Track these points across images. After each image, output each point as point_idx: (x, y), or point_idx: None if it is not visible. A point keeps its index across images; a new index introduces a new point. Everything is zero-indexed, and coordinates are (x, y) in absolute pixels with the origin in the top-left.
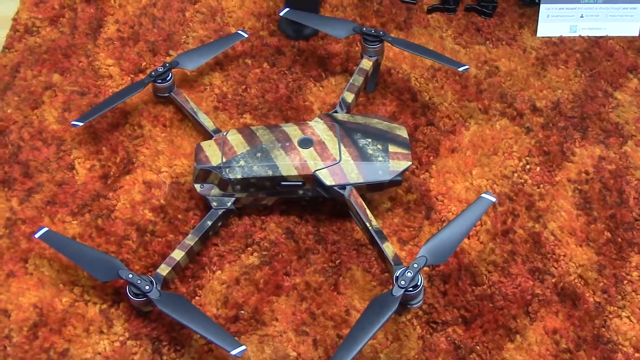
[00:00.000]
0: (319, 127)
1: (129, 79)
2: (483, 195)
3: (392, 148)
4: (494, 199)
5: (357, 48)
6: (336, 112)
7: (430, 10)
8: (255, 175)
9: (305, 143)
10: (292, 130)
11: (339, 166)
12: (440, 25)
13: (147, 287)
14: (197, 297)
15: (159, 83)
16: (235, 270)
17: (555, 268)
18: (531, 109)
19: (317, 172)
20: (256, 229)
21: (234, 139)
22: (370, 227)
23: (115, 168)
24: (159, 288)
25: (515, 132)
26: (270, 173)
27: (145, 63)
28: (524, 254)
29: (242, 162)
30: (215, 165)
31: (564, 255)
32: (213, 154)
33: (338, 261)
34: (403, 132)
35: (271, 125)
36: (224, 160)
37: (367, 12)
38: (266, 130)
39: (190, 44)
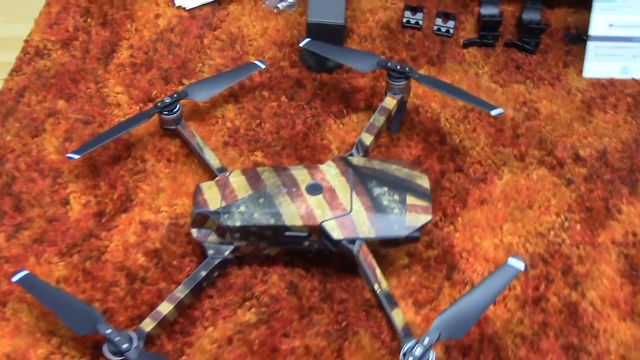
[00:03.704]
0: (330, 172)
1: (138, 108)
2: (510, 260)
3: (410, 199)
4: (522, 267)
5: (384, 83)
6: (352, 155)
7: (466, 45)
8: (255, 224)
9: (314, 189)
10: (301, 175)
11: (349, 217)
12: (477, 61)
13: (125, 346)
14: (183, 357)
15: (166, 115)
16: (229, 327)
17: (594, 345)
18: (573, 158)
19: (324, 223)
20: (257, 281)
21: (237, 181)
22: (379, 291)
23: (112, 205)
24: (142, 345)
25: (554, 183)
26: (272, 222)
27: (156, 92)
28: (557, 327)
29: (242, 208)
30: (213, 210)
31: (604, 330)
32: (212, 197)
33: (344, 323)
34: (424, 182)
35: (278, 167)
36: (223, 204)
37: (398, 44)
38: (272, 172)
39: (206, 73)
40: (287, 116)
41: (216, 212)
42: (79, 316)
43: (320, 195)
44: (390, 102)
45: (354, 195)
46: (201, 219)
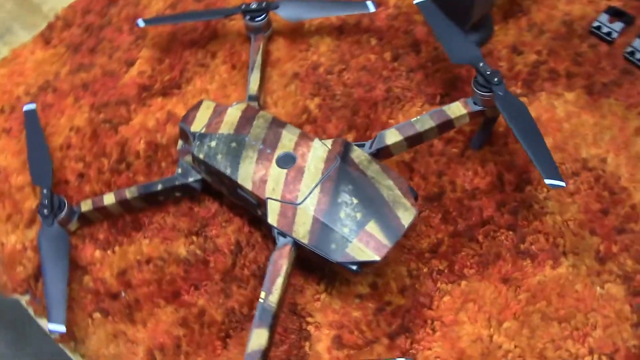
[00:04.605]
0: (317, 152)
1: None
2: None
3: (371, 227)
4: None
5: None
6: (363, 145)
7: None
8: (214, 165)
9: (285, 161)
10: (288, 139)
11: (294, 209)
12: None
13: (45, 211)
14: (104, 252)
15: (248, 20)
16: (159, 250)
17: None
18: None
19: (269, 200)
20: (215, 222)
21: (231, 114)
22: (261, 300)
23: (159, 84)
24: (75, 220)
25: (619, 312)
26: (228, 172)
27: None
28: None
29: (213, 143)
30: (192, 130)
31: None
32: (201, 118)
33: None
34: (406, 218)
35: (277, 120)
36: (203, 131)
37: (565, 51)
38: (266, 122)
39: None
40: (375, 75)
41: (192, 135)
42: (39, 168)
43: (285, 171)
44: (456, 109)
45: (316, 190)
46: (185, 135)
